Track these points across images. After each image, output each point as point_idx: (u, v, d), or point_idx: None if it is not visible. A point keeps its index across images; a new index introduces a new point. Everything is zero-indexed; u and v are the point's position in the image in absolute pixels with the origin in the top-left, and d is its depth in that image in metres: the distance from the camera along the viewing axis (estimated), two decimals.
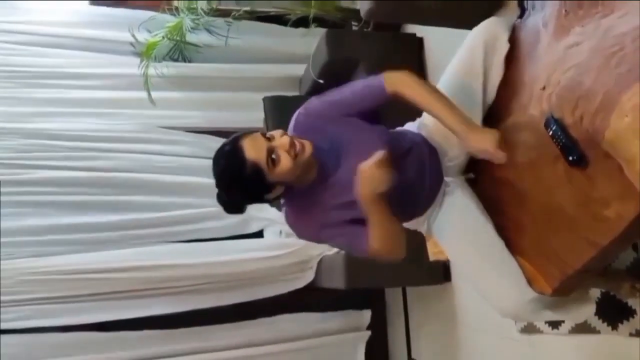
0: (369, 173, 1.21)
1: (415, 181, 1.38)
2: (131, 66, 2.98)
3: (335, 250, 2.88)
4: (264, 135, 1.27)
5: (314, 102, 1.42)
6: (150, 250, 2.81)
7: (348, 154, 1.34)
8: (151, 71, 2.95)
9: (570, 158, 1.05)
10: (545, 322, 1.98)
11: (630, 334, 1.57)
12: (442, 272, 2.59)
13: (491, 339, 2.31)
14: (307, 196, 1.35)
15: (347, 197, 1.28)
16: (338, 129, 1.37)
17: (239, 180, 1.26)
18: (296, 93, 3.28)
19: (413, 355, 3.13)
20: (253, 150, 1.23)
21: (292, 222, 1.40)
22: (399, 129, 1.54)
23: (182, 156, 3.07)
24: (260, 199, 1.32)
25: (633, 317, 1.57)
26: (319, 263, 2.92)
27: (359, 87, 1.39)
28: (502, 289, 1.28)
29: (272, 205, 3.09)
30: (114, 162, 2.93)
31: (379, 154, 1.20)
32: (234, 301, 2.88)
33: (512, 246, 1.29)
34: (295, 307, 3.12)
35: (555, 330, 1.95)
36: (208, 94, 3.20)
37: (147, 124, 3.06)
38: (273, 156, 1.24)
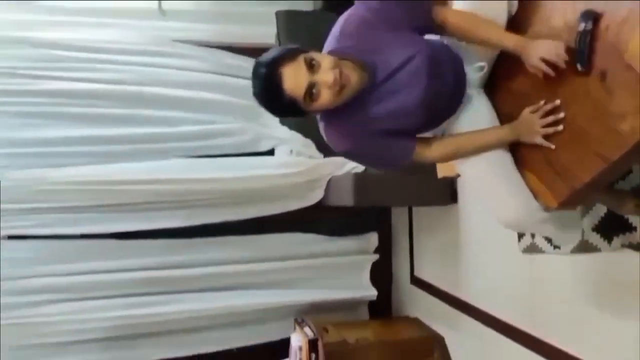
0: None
1: (451, 89, 1.37)
2: None
3: (345, 170, 2.92)
4: (308, 62, 1.19)
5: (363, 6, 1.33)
6: (162, 164, 2.85)
7: (395, 67, 1.29)
8: None
9: (578, 65, 1.04)
10: (547, 241, 2.03)
11: (623, 245, 1.62)
12: (449, 193, 2.63)
13: (493, 258, 2.37)
14: (348, 107, 1.30)
15: (394, 105, 1.29)
16: (385, 38, 1.31)
17: (275, 105, 1.25)
18: (310, 8, 3.17)
19: (416, 273, 3.24)
20: (292, 82, 1.18)
21: (329, 134, 1.37)
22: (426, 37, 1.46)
23: (193, 71, 3.04)
24: (300, 114, 1.29)
25: (631, 232, 1.61)
26: (329, 182, 2.97)
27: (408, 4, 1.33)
28: (507, 197, 1.30)
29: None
30: (125, 74, 2.91)
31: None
32: (244, 217, 2.97)
33: (523, 160, 1.30)
34: (305, 227, 3.21)
35: (557, 250, 2.00)
36: (219, 5, 3.11)
37: (158, 36, 3.00)
38: (313, 90, 1.20)
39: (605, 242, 1.75)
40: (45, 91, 2.78)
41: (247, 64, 3.17)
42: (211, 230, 3.00)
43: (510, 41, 1.25)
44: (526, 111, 1.27)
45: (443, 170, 1.65)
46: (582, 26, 1.06)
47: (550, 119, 1.20)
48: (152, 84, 2.94)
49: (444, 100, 1.36)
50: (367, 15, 1.30)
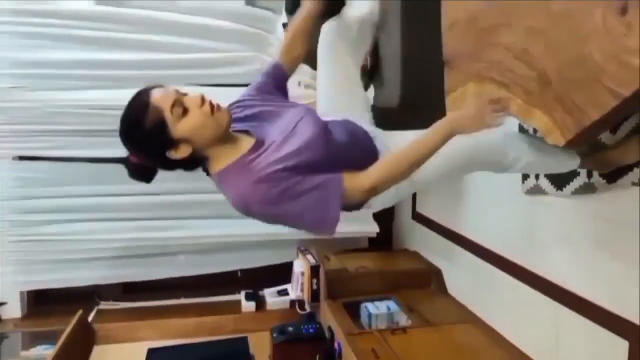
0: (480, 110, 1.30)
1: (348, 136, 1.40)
2: None
3: None
4: (177, 90, 1.20)
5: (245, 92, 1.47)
6: None
7: (279, 119, 1.35)
8: None
9: None
10: (551, 183, 2.07)
11: (633, 184, 1.65)
12: None
13: (495, 197, 2.42)
14: (246, 165, 1.22)
15: (291, 148, 1.24)
16: (272, 105, 1.42)
17: (137, 125, 1.16)
18: None
19: (418, 209, 3.32)
20: (159, 95, 1.16)
21: (244, 193, 1.20)
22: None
23: None
24: (161, 156, 1.20)
25: (632, 170, 1.64)
26: None
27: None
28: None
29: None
30: None
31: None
32: None
33: (534, 99, 1.30)
34: None
35: (559, 192, 2.04)
36: None
37: None
38: (183, 105, 1.17)
39: (605, 182, 1.79)
40: (54, 12, 2.73)
41: None
42: None
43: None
44: (470, 96, 1.36)
45: (453, 109, 1.65)
46: None
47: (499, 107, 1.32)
48: (162, 9, 2.87)
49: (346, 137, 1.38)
50: (250, 92, 1.46)
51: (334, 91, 1.73)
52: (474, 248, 2.62)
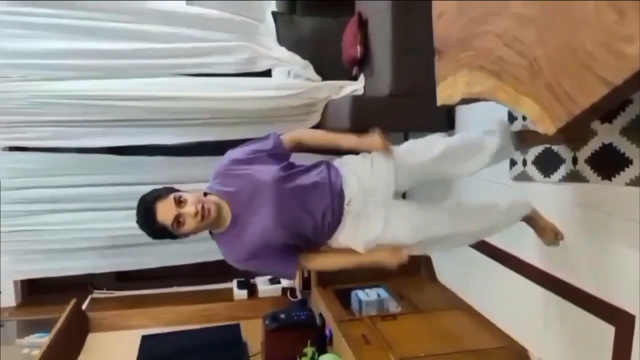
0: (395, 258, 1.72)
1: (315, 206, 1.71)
2: None
3: (343, 94, 2.91)
4: (177, 199, 1.57)
5: (231, 152, 1.79)
6: (157, 81, 2.80)
7: (254, 196, 1.66)
8: None
9: None
10: (538, 170, 2.10)
11: (626, 184, 1.66)
12: (447, 121, 2.65)
13: (483, 184, 2.44)
14: (232, 229, 1.67)
15: (256, 228, 1.64)
16: (240, 177, 1.69)
17: (152, 232, 1.60)
18: None
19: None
20: (162, 215, 1.56)
21: (227, 250, 1.72)
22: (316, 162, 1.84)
23: None
24: (171, 238, 1.64)
25: (629, 166, 1.66)
26: (325, 106, 2.96)
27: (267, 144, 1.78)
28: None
29: None
30: None
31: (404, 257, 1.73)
32: (240, 136, 2.94)
33: (525, 87, 1.31)
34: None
35: (546, 179, 2.07)
36: None
37: None
38: (180, 219, 1.56)
39: (595, 175, 1.80)
40: (41, 2, 2.69)
41: None
42: (203, 149, 3.02)
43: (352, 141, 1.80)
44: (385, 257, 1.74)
45: (443, 98, 1.65)
46: None
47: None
48: None
49: (309, 216, 1.69)
50: (228, 163, 1.74)
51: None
52: None
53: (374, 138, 1.75)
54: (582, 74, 1.11)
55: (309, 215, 1.69)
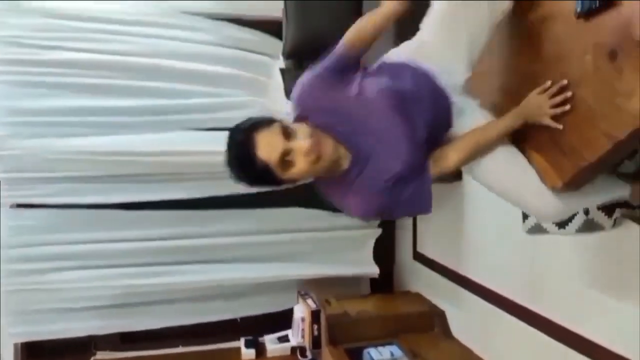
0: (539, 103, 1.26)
1: (431, 112, 1.34)
2: None
3: None
4: (284, 129, 1.17)
5: (311, 75, 1.31)
6: (169, 136, 2.85)
7: (370, 126, 1.28)
8: None
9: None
10: (552, 222, 2.05)
11: (623, 215, 1.65)
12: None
13: (496, 236, 2.40)
14: (352, 181, 1.28)
15: (385, 157, 1.27)
16: (344, 98, 1.29)
17: (247, 174, 1.21)
18: None
19: (418, 249, 3.28)
20: (266, 148, 1.15)
21: (353, 203, 1.31)
22: (385, 63, 1.42)
23: (201, 43, 3.01)
24: (270, 185, 1.25)
25: (634, 209, 1.62)
26: None
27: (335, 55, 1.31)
28: (540, 195, 1.33)
29: None
30: (132, 46, 2.89)
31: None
32: (249, 190, 2.98)
33: (529, 141, 1.31)
34: (308, 202, 3.21)
35: (561, 230, 2.01)
36: None
37: (167, 8, 2.98)
38: (287, 158, 1.17)
39: (606, 217, 1.76)
40: (51, 61, 2.77)
41: (255, 37, 3.15)
42: (216, 203, 3.02)
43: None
44: (534, 93, 1.27)
45: None
46: None
47: (559, 99, 1.21)
48: (159, 56, 2.92)
49: (428, 123, 1.32)
50: (318, 81, 1.29)
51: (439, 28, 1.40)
52: (477, 289, 2.57)
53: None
54: (586, 129, 1.12)
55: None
